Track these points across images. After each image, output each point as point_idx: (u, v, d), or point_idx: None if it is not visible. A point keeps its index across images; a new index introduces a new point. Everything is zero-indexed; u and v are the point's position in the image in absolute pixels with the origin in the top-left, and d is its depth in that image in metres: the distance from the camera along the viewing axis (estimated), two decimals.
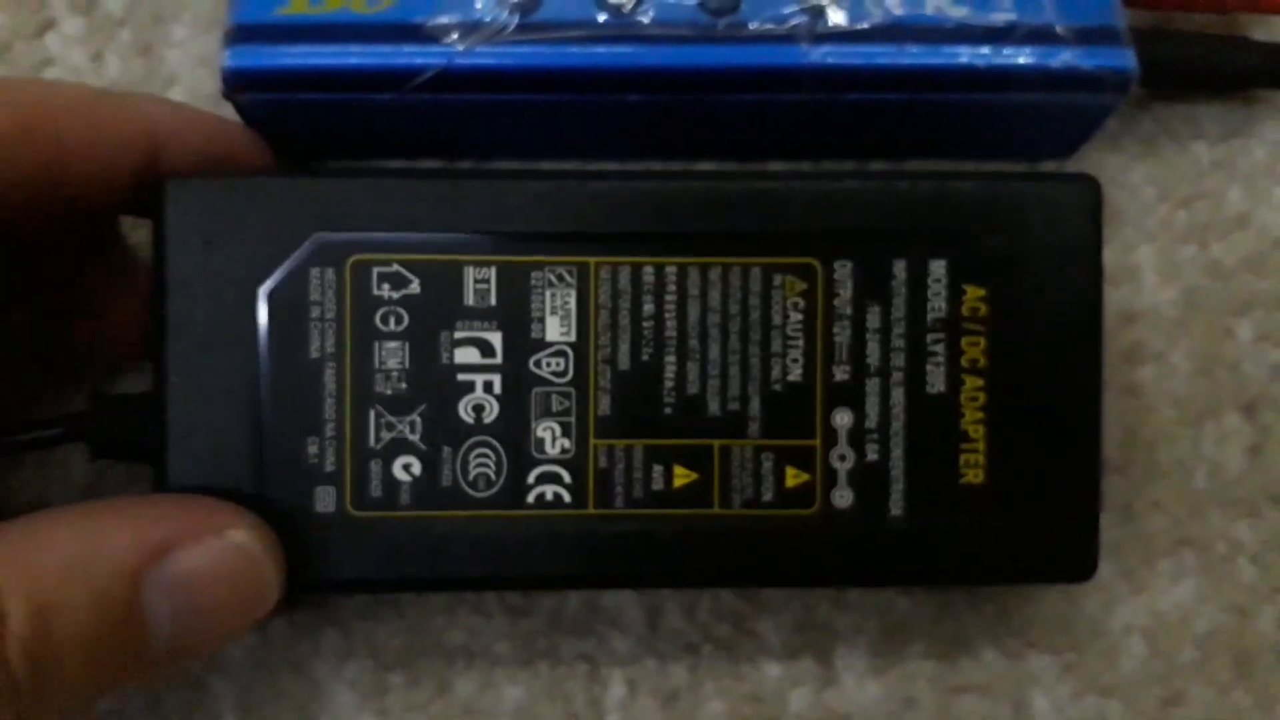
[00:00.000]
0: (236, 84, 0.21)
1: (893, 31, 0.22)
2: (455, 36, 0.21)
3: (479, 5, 0.22)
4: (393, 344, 0.19)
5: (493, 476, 0.19)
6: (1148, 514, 0.24)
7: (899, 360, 0.20)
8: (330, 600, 0.22)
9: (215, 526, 0.18)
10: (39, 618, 0.15)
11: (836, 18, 0.22)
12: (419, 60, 0.21)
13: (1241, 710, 0.23)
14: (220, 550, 0.17)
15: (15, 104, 0.18)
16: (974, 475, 0.20)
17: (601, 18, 0.22)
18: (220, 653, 0.22)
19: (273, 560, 0.18)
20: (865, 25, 0.22)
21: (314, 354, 0.19)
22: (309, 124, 0.22)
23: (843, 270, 0.20)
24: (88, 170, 0.19)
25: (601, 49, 0.21)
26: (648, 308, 0.20)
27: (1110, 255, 0.25)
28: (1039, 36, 0.22)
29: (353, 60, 0.21)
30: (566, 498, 0.19)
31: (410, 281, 0.19)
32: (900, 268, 0.20)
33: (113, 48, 0.24)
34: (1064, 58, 0.22)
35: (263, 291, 0.19)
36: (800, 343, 0.20)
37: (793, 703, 0.22)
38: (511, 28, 0.21)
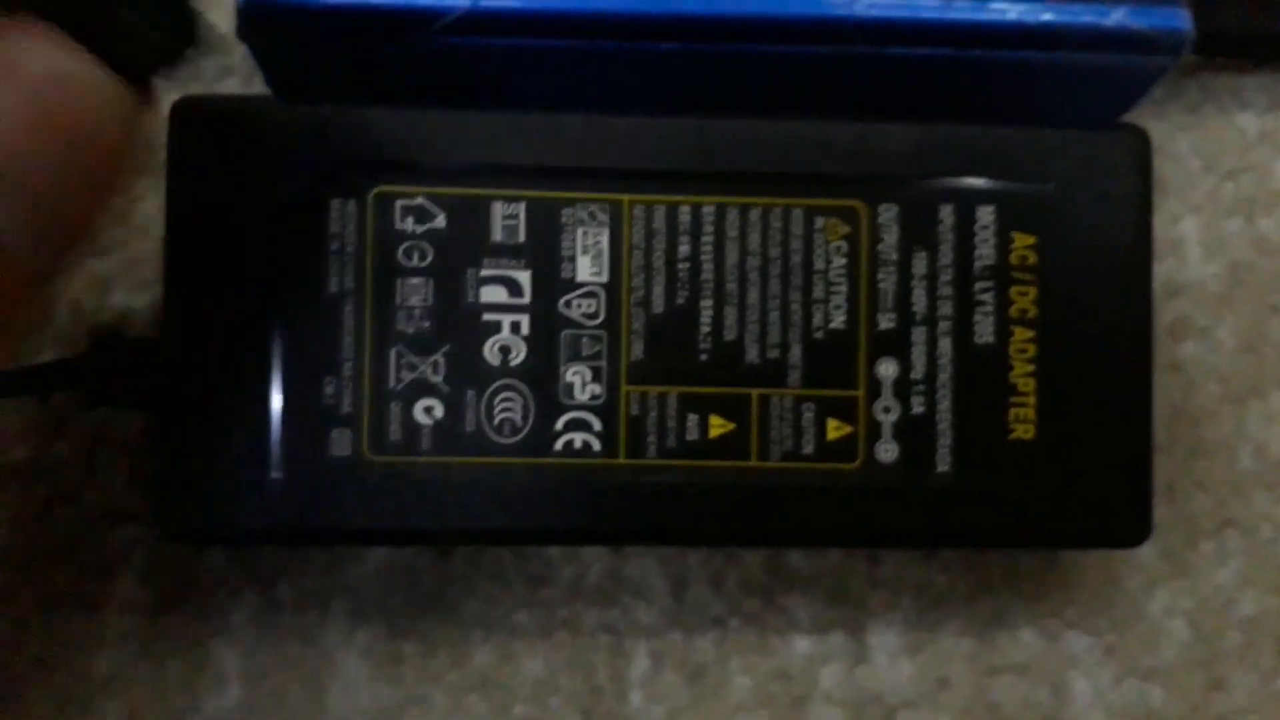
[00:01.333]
0: (251, 23, 0.20)
1: None
2: None
3: None
4: (416, 281, 0.19)
5: (519, 422, 0.18)
6: (1191, 494, 0.23)
7: (946, 309, 0.19)
8: (340, 563, 0.21)
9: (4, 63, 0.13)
10: None
11: None
12: (441, 1, 0.20)
13: None
14: (19, 91, 0.13)
15: None
16: (1024, 431, 0.19)
17: None
18: (223, 617, 0.21)
19: (94, 73, 0.13)
20: None
21: (332, 290, 0.18)
22: (329, 72, 0.22)
23: (887, 214, 0.19)
24: None
25: None
26: (684, 249, 0.19)
27: (1155, 227, 0.24)
28: None
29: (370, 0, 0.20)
30: (596, 446, 0.19)
31: (435, 215, 0.19)
32: (947, 212, 0.19)
33: None
34: (1117, 16, 0.21)
35: (278, 223, 0.18)
36: (843, 288, 0.19)
37: (823, 680, 0.22)
38: None
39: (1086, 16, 0.21)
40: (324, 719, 0.21)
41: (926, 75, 0.22)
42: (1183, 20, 0.21)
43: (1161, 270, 0.24)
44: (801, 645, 0.22)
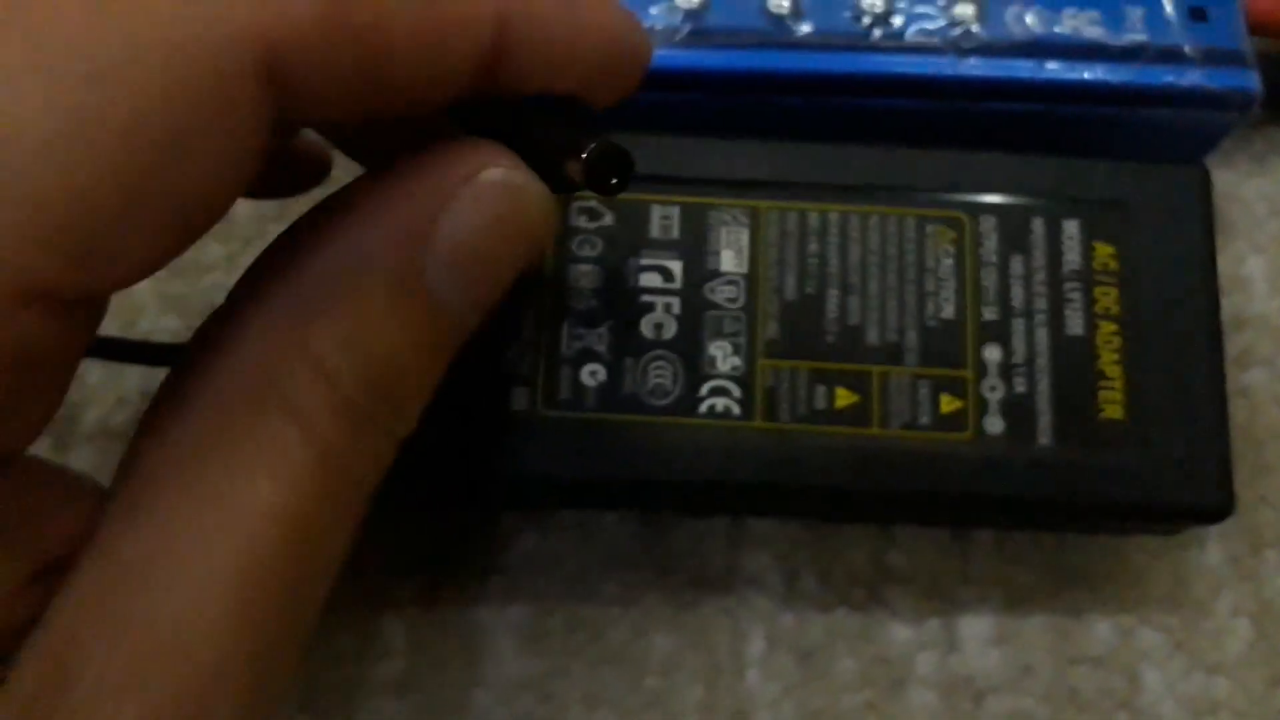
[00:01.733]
0: None
1: (1032, 48, 0.24)
2: None
3: (653, 11, 0.24)
4: (586, 267, 0.22)
5: (669, 387, 0.21)
6: (1256, 508, 0.25)
7: (1040, 304, 0.22)
8: (494, 548, 0.24)
9: (467, 175, 0.16)
10: (353, 351, 0.15)
11: (981, 34, 0.24)
12: None
13: None
14: (480, 199, 0.16)
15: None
16: (1113, 411, 0.21)
17: (764, 26, 0.24)
18: (392, 594, 0.24)
19: (535, 184, 0.16)
20: (1008, 41, 0.24)
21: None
22: None
23: (987, 224, 0.22)
24: (417, 71, 0.15)
25: (763, 54, 0.23)
26: (812, 246, 0.22)
27: (1222, 265, 0.26)
28: (1168, 56, 0.24)
29: None
30: (736, 410, 0.21)
31: (604, 215, 0.22)
32: (1038, 224, 0.22)
33: None
34: (1191, 77, 0.24)
35: None
36: (951, 284, 0.22)
37: (919, 665, 0.24)
38: (682, 33, 0.23)
39: (1165, 77, 0.24)
40: (478, 688, 0.23)
41: (1021, 126, 0.25)
42: (1252, 81, 0.24)
43: (1229, 304, 0.26)
44: (900, 633, 0.24)
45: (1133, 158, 0.26)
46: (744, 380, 0.21)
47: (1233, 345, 0.26)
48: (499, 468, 0.21)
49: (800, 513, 0.24)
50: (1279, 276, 0.26)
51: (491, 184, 0.16)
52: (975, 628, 0.24)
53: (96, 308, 0.14)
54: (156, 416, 0.15)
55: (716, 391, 0.21)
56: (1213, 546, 0.24)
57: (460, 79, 0.16)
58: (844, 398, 0.21)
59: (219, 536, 0.14)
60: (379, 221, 0.16)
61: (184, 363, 0.15)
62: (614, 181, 0.16)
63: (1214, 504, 0.21)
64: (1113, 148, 0.25)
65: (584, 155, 0.16)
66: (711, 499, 0.23)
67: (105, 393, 0.25)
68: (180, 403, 0.15)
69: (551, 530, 0.24)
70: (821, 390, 0.21)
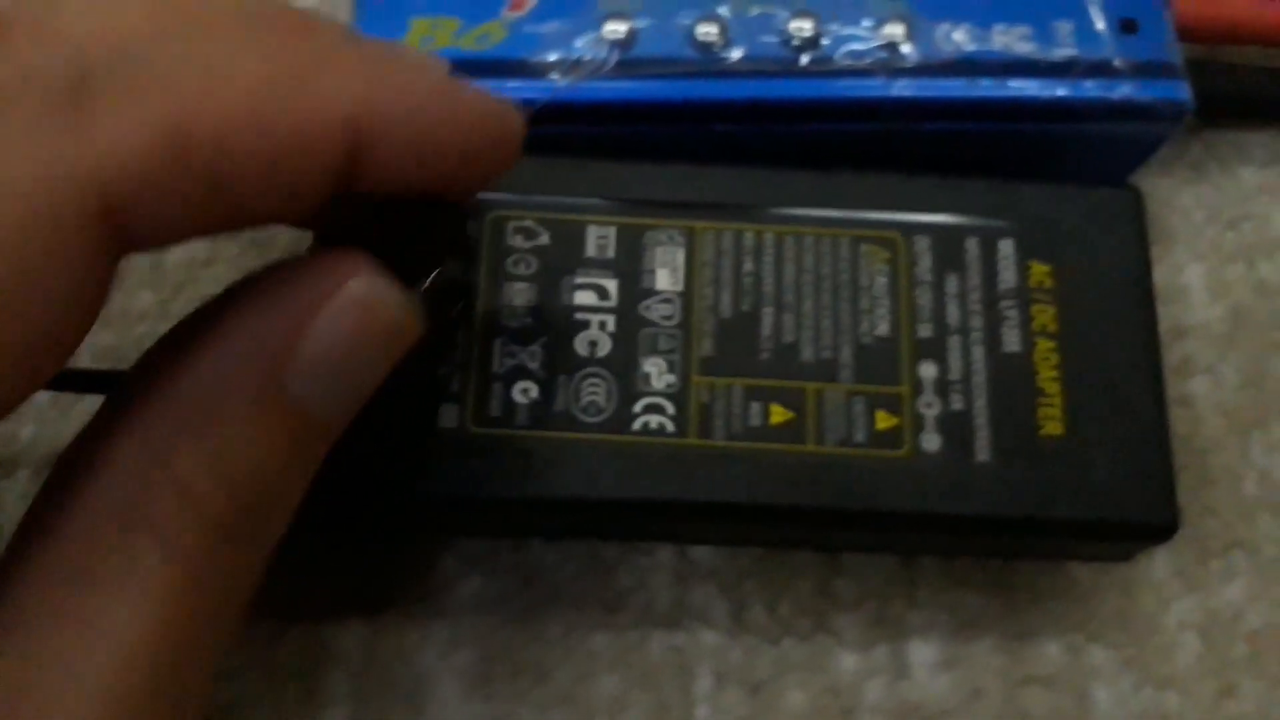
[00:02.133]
0: None
1: (963, 66, 0.23)
2: (558, 72, 0.23)
3: (579, 43, 0.23)
4: (521, 285, 0.21)
5: (602, 404, 0.21)
6: (1200, 518, 0.25)
7: (976, 322, 0.22)
8: (440, 593, 0.24)
9: (328, 290, 0.16)
10: (219, 477, 0.15)
11: (911, 54, 0.23)
12: (525, 94, 0.23)
13: None
14: (342, 313, 0.16)
15: (165, 119, 0.14)
16: (1053, 427, 0.21)
17: (692, 55, 0.23)
18: (334, 643, 0.23)
19: (394, 294, 0.16)
20: (938, 61, 0.23)
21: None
22: None
23: (921, 244, 0.22)
24: (263, 196, 0.15)
25: (692, 84, 0.23)
26: (747, 266, 0.22)
27: (1161, 274, 0.26)
28: (1099, 70, 0.24)
29: None
30: (670, 427, 0.21)
31: (540, 234, 0.22)
32: (973, 243, 0.22)
33: None
34: (1122, 90, 0.24)
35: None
36: (886, 302, 0.22)
37: (868, 693, 0.24)
38: (610, 65, 0.23)
39: (1096, 91, 0.24)
40: None
41: (955, 144, 0.24)
42: (1182, 91, 0.24)
43: (1169, 313, 0.26)
44: (849, 661, 0.24)
45: (1068, 171, 0.26)
46: (678, 397, 0.21)
47: (1173, 354, 0.26)
48: (425, 487, 0.20)
49: (736, 533, 0.24)
50: (1218, 284, 0.26)
51: (353, 299, 0.16)
52: (924, 653, 0.24)
53: None
54: (26, 540, 0.15)
55: (650, 409, 0.21)
56: (1159, 560, 0.24)
57: (317, 189, 0.15)
58: (779, 414, 0.21)
59: (88, 666, 0.14)
60: (243, 338, 0.16)
61: (54, 482, 0.15)
62: (453, 312, 0.16)
63: (1158, 520, 0.21)
64: (1047, 163, 0.25)
65: (424, 287, 0.16)
66: (644, 518, 0.22)
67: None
68: (49, 526, 0.15)
69: (495, 572, 0.24)
70: (756, 407, 0.21)
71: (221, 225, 0.15)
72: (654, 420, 0.21)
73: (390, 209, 0.17)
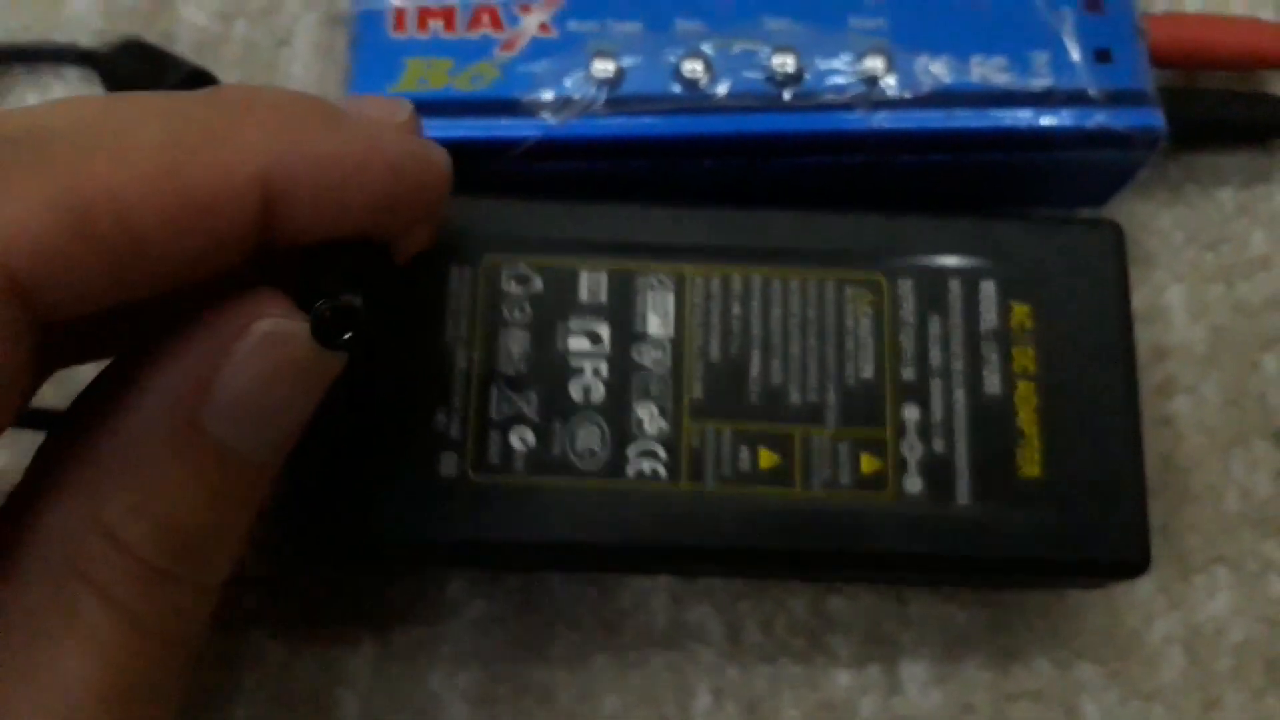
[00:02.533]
0: None
1: (942, 98, 0.24)
2: (549, 111, 0.24)
3: (569, 83, 0.24)
4: (516, 332, 0.22)
5: (597, 449, 0.21)
6: (1184, 534, 0.25)
7: (958, 364, 0.22)
8: (443, 615, 0.24)
9: (240, 328, 0.16)
10: (144, 517, 0.16)
11: (891, 87, 0.24)
12: (518, 132, 0.24)
13: (1275, 713, 0.24)
14: (253, 350, 0.16)
15: (65, 196, 0.14)
16: (1030, 469, 0.21)
17: (679, 91, 0.24)
18: (344, 665, 0.24)
19: (298, 331, 0.16)
20: (917, 93, 0.24)
21: (447, 338, 0.22)
22: None
23: (905, 287, 0.22)
24: (177, 257, 0.15)
25: (679, 119, 0.24)
26: (735, 309, 0.22)
27: (1142, 295, 0.27)
28: (1074, 100, 0.24)
29: (459, 133, 0.24)
30: (662, 472, 0.21)
31: (534, 280, 0.22)
32: (955, 285, 0.22)
33: None
34: (1098, 119, 0.24)
35: (407, 284, 0.22)
36: (870, 345, 0.22)
37: (862, 709, 0.24)
38: (599, 102, 0.24)
39: (1072, 121, 0.24)
40: None
41: (934, 175, 0.25)
42: (1156, 118, 0.24)
43: (1150, 334, 0.27)
44: (842, 678, 0.24)
45: (1045, 199, 0.26)
46: (670, 443, 0.22)
47: (1155, 374, 0.26)
48: (427, 533, 0.21)
49: (725, 572, 0.24)
50: (1198, 305, 0.27)
51: (263, 335, 0.16)
52: (915, 670, 0.24)
53: None
54: None
55: (644, 454, 0.22)
56: (1143, 577, 0.25)
57: (234, 245, 0.16)
58: (767, 459, 0.22)
59: (36, 717, 0.14)
60: (159, 383, 0.16)
61: None
62: (345, 338, 0.16)
63: (1130, 560, 0.21)
64: (1026, 190, 0.26)
65: (312, 316, 0.16)
66: (639, 561, 0.23)
67: None
68: None
69: (499, 595, 0.25)
70: (745, 452, 0.22)
71: (140, 288, 0.15)
72: (647, 465, 0.21)
73: (305, 250, 0.17)
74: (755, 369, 0.22)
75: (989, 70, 0.25)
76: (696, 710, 0.24)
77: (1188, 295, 0.27)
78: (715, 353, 0.22)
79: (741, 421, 0.22)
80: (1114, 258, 0.23)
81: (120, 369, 0.17)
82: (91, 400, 0.16)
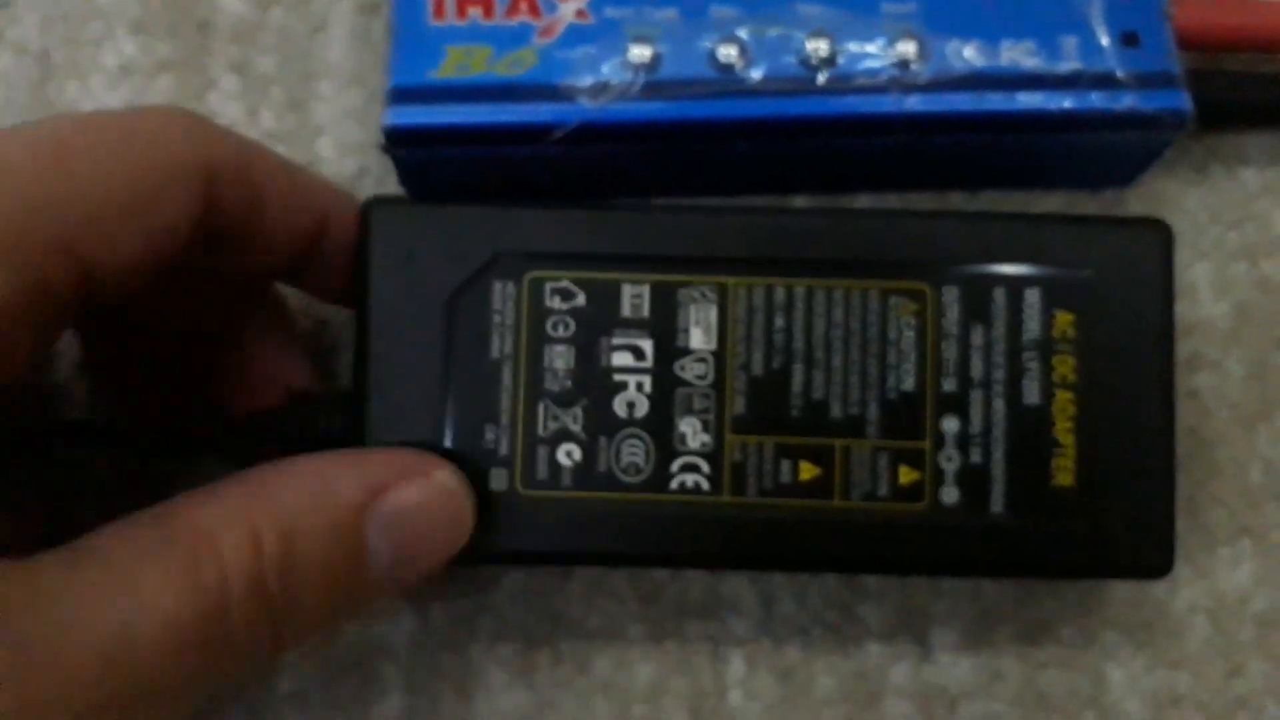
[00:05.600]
0: (396, 140, 0.24)
1: (973, 81, 0.24)
2: (587, 96, 0.24)
3: (606, 68, 0.24)
4: (560, 348, 0.22)
5: (641, 464, 0.22)
6: (1208, 507, 0.26)
7: (999, 375, 0.22)
8: (482, 588, 0.25)
9: (423, 470, 0.20)
10: (286, 542, 0.18)
11: (923, 71, 0.25)
12: (557, 116, 0.24)
13: None
14: (429, 489, 0.20)
15: (237, 147, 0.21)
16: (1064, 478, 0.22)
17: (714, 75, 0.24)
18: (386, 637, 0.25)
19: (469, 499, 0.21)
20: (949, 77, 0.25)
21: (494, 355, 0.22)
22: (459, 174, 0.25)
23: (949, 295, 0.22)
24: (274, 230, 0.21)
25: (715, 103, 0.24)
26: (778, 322, 0.22)
27: None
28: (1102, 82, 0.25)
29: (498, 117, 0.24)
30: (705, 486, 0.22)
31: (577, 295, 0.22)
32: (1000, 294, 0.22)
33: (266, 104, 0.27)
34: (1125, 101, 0.25)
35: (452, 301, 0.22)
36: (912, 356, 0.22)
37: (893, 677, 0.25)
38: (637, 87, 0.24)
39: (1100, 103, 0.25)
40: None
41: (964, 157, 0.26)
42: (1183, 101, 0.25)
43: (1176, 310, 0.27)
44: (875, 648, 0.25)
45: (1072, 180, 0.27)
46: (713, 456, 0.22)
47: (1180, 350, 0.27)
48: (480, 545, 0.21)
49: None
50: (1222, 282, 0.27)
51: (443, 483, 0.21)
52: (946, 639, 0.25)
53: None
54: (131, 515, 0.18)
55: (687, 468, 0.22)
56: None
57: (299, 246, 0.22)
58: (808, 471, 0.22)
59: (108, 614, 0.17)
60: (349, 472, 0.20)
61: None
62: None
63: (1154, 565, 0.22)
64: (1053, 172, 0.26)
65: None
66: (681, 569, 0.24)
67: None
68: (143, 515, 0.18)
69: (536, 568, 0.25)
70: (786, 465, 0.22)
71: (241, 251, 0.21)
72: (690, 479, 0.22)
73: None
74: (797, 382, 0.22)
75: (1018, 54, 0.25)
76: (731, 679, 0.25)
77: (1212, 273, 0.27)
78: (758, 366, 0.22)
79: (783, 435, 0.22)
80: (1162, 263, 0.23)
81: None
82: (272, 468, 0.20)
